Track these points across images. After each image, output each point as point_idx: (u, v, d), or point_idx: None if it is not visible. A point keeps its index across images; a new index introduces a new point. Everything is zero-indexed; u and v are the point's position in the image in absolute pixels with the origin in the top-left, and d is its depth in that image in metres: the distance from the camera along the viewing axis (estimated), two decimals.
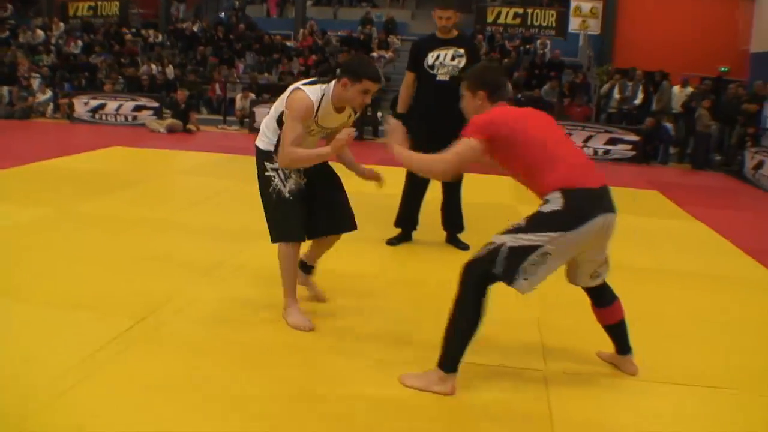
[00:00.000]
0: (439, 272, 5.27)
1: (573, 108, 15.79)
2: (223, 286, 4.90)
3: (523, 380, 3.71)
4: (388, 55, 20.44)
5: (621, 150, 14.16)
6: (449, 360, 3.40)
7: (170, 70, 18.28)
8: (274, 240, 4.24)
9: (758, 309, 5.18)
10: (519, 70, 18.26)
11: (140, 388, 3.33)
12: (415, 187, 6.15)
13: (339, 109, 4.12)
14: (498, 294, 3.46)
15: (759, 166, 12.52)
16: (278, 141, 4.12)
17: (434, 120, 5.74)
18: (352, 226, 4.45)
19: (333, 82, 4.05)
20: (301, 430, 3.12)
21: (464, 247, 6.19)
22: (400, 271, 5.69)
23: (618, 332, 3.79)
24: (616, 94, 15.97)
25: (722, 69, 20.57)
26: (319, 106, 4.00)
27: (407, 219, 6.34)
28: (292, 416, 3.21)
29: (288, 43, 21.19)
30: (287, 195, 4.14)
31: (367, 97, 4.00)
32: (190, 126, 14.43)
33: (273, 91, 16.77)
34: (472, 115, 3.64)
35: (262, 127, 4.28)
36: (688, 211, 8.79)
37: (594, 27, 21.89)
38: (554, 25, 21.30)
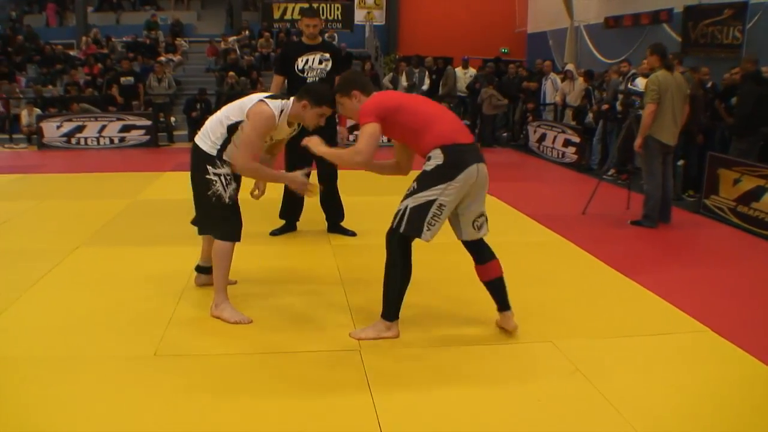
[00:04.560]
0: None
1: None
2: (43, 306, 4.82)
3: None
4: (177, 58, 20.10)
5: None
6: (391, 310, 4.20)
7: None
8: (217, 237, 4.53)
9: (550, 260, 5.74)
10: None
11: None
12: None
13: (290, 124, 4.52)
14: None
15: (542, 138, 13.47)
16: (223, 146, 4.40)
17: None
18: None
19: (292, 99, 4.44)
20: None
21: (351, 233, 6.78)
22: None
23: (495, 288, 4.35)
24: (404, 82, 16.44)
25: (503, 50, 21.80)
26: (278, 121, 4.37)
27: (291, 211, 6.80)
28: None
29: (71, 53, 20.34)
30: (227, 200, 4.42)
31: (321, 119, 4.49)
32: None
33: (59, 104, 16.10)
34: (355, 114, 4.22)
35: (207, 129, 4.47)
36: None
37: (379, 18, 22.49)
38: (341, 18, 21.65)
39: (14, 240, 6.67)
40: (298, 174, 4.45)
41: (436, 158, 3.99)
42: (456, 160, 3.97)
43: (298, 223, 6.87)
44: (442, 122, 4.11)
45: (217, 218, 4.50)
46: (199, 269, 5.17)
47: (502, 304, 4.35)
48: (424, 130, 4.06)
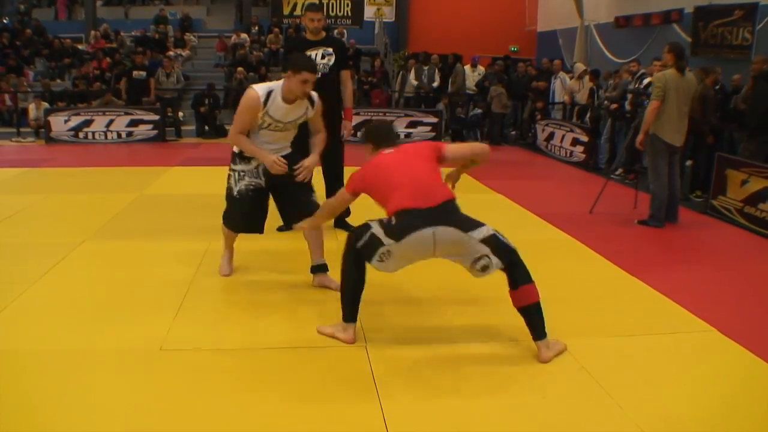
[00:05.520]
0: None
1: (375, 94, 16.25)
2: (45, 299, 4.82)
3: None
4: (185, 53, 20.10)
5: (421, 132, 14.64)
6: (346, 312, 4.20)
7: None
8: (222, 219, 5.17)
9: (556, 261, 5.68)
10: None
11: None
12: None
13: (289, 101, 4.66)
14: None
15: (550, 137, 13.45)
16: None
17: None
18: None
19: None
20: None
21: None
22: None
23: (528, 316, 3.99)
24: (413, 80, 16.39)
25: (512, 48, 21.76)
26: (267, 99, 4.60)
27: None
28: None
29: (80, 47, 20.36)
30: (235, 194, 4.96)
31: (306, 86, 4.58)
32: None
33: (67, 98, 16.11)
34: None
35: None
36: (489, 185, 9.37)
37: (389, 14, 22.51)
38: (350, 14, 21.69)
39: (20, 234, 6.67)
40: (271, 156, 4.70)
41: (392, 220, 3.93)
42: (401, 224, 3.86)
43: None
44: (401, 190, 3.96)
45: (226, 208, 5.08)
46: (313, 269, 5.21)
47: (537, 333, 4.01)
48: (387, 200, 4.03)
